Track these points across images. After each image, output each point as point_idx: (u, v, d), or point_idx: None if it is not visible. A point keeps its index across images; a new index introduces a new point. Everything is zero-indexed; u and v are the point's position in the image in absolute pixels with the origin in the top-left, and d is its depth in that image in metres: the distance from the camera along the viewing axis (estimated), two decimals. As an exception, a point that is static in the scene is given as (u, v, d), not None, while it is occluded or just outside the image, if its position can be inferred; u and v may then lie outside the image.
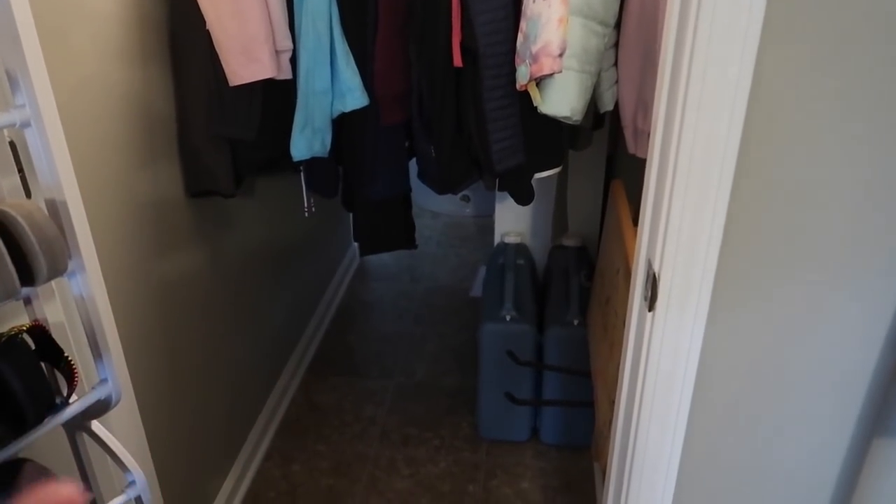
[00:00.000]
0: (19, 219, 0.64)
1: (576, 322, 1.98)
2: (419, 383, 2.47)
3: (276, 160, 1.68)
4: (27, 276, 0.67)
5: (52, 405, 0.75)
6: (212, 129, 1.54)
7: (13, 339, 0.72)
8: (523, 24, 1.39)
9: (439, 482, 2.04)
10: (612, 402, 1.40)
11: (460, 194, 3.65)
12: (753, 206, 0.86)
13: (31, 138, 0.72)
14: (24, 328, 0.79)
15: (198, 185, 1.64)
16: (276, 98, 1.55)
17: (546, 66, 1.34)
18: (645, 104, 1.50)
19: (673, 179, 0.86)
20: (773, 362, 0.95)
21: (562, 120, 1.49)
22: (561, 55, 1.34)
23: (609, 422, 1.42)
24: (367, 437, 2.22)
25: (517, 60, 1.43)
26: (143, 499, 0.94)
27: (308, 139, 1.57)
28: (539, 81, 1.43)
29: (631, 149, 1.59)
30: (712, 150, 0.82)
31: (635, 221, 1.59)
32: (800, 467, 1.03)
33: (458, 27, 1.44)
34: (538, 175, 1.61)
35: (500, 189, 1.64)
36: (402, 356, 2.62)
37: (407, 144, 1.75)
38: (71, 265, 0.75)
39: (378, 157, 1.68)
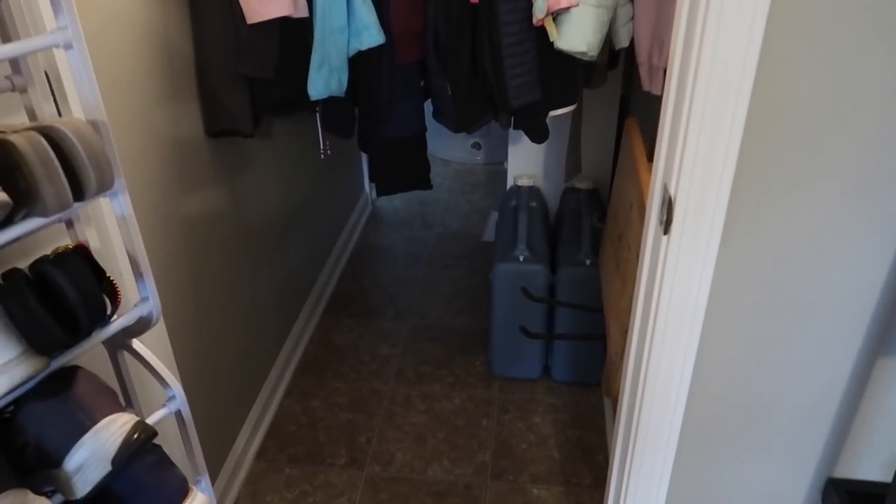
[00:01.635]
0: (69, 134, 0.68)
1: (588, 262, 2.02)
2: (432, 324, 2.53)
3: (294, 100, 1.70)
4: (77, 190, 0.71)
5: (103, 315, 0.79)
6: (230, 67, 1.55)
7: (67, 251, 0.76)
8: (540, -42, 1.38)
9: (454, 417, 2.12)
10: (624, 333, 1.45)
11: (471, 141, 3.67)
12: (769, 126, 0.88)
13: (72, 59, 0.74)
14: (70, 247, 0.83)
15: (216, 125, 1.66)
16: (294, 37, 1.56)
17: (563, -1, 1.34)
18: (661, 40, 1.51)
19: (690, 102, 0.88)
20: (784, 282, 0.99)
21: (577, 56, 1.50)
22: (578, -12, 1.35)
23: (621, 352, 1.47)
24: (382, 374, 2.29)
25: (534, -5, 1.43)
26: (183, 413, 1.00)
27: (325, 78, 1.58)
28: (556, 16, 1.43)
29: (645, 86, 1.60)
30: (730, 72, 0.84)
31: (650, 158, 1.61)
32: (807, 385, 1.07)
33: (475, -38, 1.44)
34: (553, 113, 1.62)
35: (516, 127, 1.66)
36: (415, 299, 2.68)
37: (422, 84, 1.76)
38: (115, 186, 0.79)
39: (394, 95, 1.69)
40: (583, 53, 1.48)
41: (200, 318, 1.67)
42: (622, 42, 1.59)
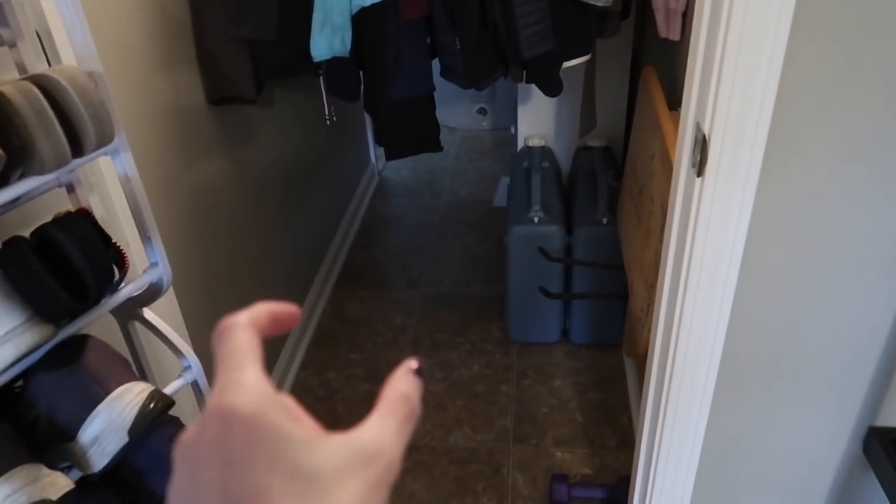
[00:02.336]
0: (64, 82, 0.63)
1: (605, 221, 1.96)
2: (446, 293, 2.49)
3: (297, 64, 1.64)
4: (75, 145, 0.66)
5: (111, 279, 0.75)
6: (229, 29, 1.49)
7: (70, 214, 0.71)
8: None
9: (473, 383, 2.08)
10: (649, 288, 1.40)
11: (476, 107, 3.59)
12: (811, 52, 0.82)
13: (62, 8, 0.69)
14: (73, 211, 0.78)
15: (218, 91, 1.60)
16: (294, -5, 1.49)
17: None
18: (678, -18, 1.43)
19: (726, 33, 0.82)
20: (825, 227, 0.94)
21: (591, 3, 1.43)
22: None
23: (647, 307, 1.43)
24: (398, 344, 2.26)
25: (544, -63, 1.36)
26: (200, 383, 0.96)
27: (328, 37, 1.52)
28: (568, -41, 1.36)
29: (662, 32, 1.53)
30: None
31: (670, 107, 1.55)
32: (848, 332, 1.02)
33: None
34: (567, 64, 1.56)
35: (528, 81, 1.59)
36: (427, 267, 2.63)
37: (429, 41, 1.69)
38: (115, 142, 0.74)
39: (400, 54, 1.63)
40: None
41: (210, 293, 1.63)
42: (637, -14, 1.52)
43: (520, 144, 2.33)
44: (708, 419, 1.14)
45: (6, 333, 0.65)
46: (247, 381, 0.26)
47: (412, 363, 0.31)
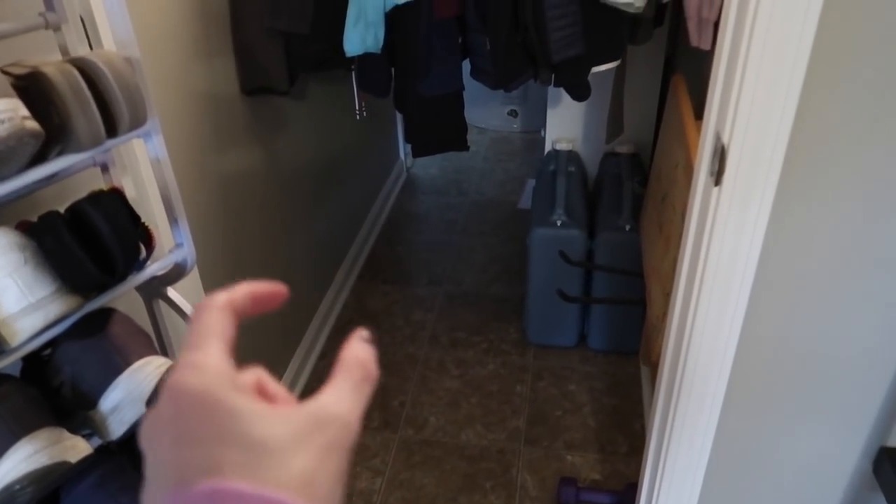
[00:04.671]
0: (102, 66, 0.66)
1: (628, 227, 1.96)
2: (467, 291, 2.51)
3: (329, 57, 1.67)
4: (110, 125, 0.69)
5: (137, 255, 0.78)
6: (266, 21, 1.53)
7: (102, 192, 0.75)
8: None
9: (487, 382, 2.10)
10: (666, 296, 1.40)
11: (508, 109, 3.60)
12: (832, 69, 0.82)
13: (106, -4, 0.73)
14: (106, 189, 0.82)
15: (252, 82, 1.64)
16: (330, -10, 1.53)
17: (610, -55, 1.28)
18: (711, -9, 1.43)
19: (749, 44, 0.82)
20: (841, 244, 0.93)
21: (623, 8, 1.44)
22: (626, -67, 1.28)
23: (663, 315, 1.43)
24: (417, 339, 2.28)
25: (579, -57, 1.37)
26: (218, 362, 0.99)
27: (361, 33, 1.55)
28: (601, -35, 1.37)
29: (694, 41, 1.53)
30: (793, 9, 0.79)
31: (698, 117, 1.54)
32: (861, 350, 1.02)
33: None
34: (596, 68, 1.56)
35: (556, 84, 1.60)
36: (450, 265, 2.65)
37: (460, 40, 1.71)
38: (147, 125, 0.77)
39: (432, 52, 1.65)
40: (629, 5, 1.41)
41: (234, 276, 1.67)
42: (670, -6, 1.52)
43: (547, 147, 2.34)
44: (716, 430, 1.14)
45: (37, 301, 0.68)
46: (201, 361, 0.27)
47: (363, 333, 0.32)
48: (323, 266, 2.32)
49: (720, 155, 0.91)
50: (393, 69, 1.80)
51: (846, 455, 1.12)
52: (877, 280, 0.95)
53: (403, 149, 3.27)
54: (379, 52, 1.58)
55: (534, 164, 3.26)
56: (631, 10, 1.43)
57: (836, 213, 0.91)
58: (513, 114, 3.60)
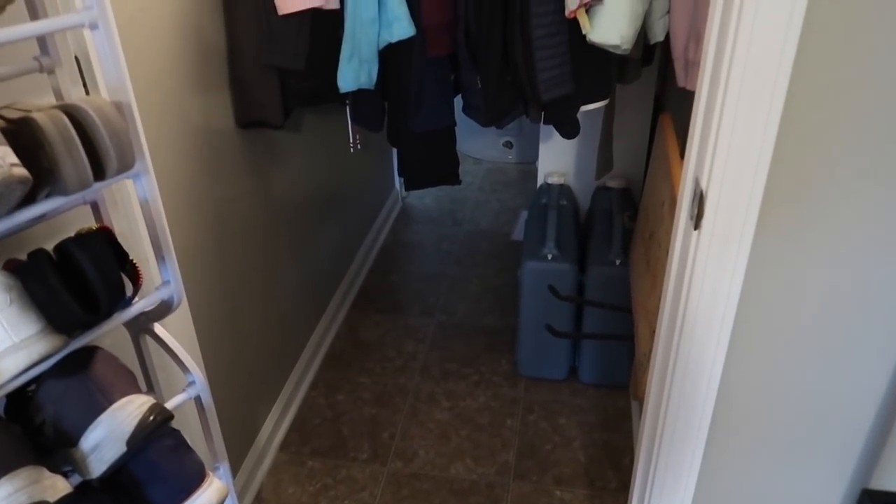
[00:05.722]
0: (91, 112, 0.68)
1: (618, 262, 1.98)
2: (460, 322, 2.52)
3: (324, 92, 1.70)
4: (98, 170, 0.71)
5: (122, 295, 0.79)
6: (262, 58, 1.56)
7: (90, 231, 0.76)
8: (574, -52, 1.36)
9: (478, 415, 2.10)
10: (653, 333, 1.42)
11: (503, 140, 3.64)
12: (806, 119, 0.84)
13: (97, 40, 0.75)
14: (94, 228, 0.83)
15: (247, 116, 1.67)
16: (325, 28, 1.56)
17: (596, -10, 1.31)
18: (697, 34, 1.47)
19: (725, 91, 0.85)
20: (819, 283, 0.95)
21: (611, 49, 1.47)
22: (612, -21, 1.32)
23: (649, 352, 1.44)
24: (408, 370, 2.28)
25: (567, -14, 1.41)
26: (203, 399, 1.00)
27: (355, 70, 1.58)
28: (588, 8, 1.40)
29: (681, 81, 1.56)
30: (767, 60, 0.81)
31: (684, 155, 1.57)
32: (843, 391, 1.03)
33: (507, -47, 1.42)
34: (585, 107, 1.59)
35: (546, 122, 1.63)
36: (443, 296, 2.66)
37: (452, 78, 1.74)
38: (136, 166, 0.79)
39: (424, 89, 1.68)
40: (616, 46, 1.45)
41: (228, 309, 1.68)
42: (657, 36, 1.55)
43: (540, 181, 2.36)
44: (700, 470, 1.14)
45: (21, 341, 0.69)
46: None
47: None
48: (316, 295, 2.33)
49: (699, 200, 0.92)
50: (386, 103, 1.83)
51: (829, 497, 1.12)
52: (857, 326, 0.97)
53: (399, 179, 3.30)
54: (373, 88, 1.62)
55: (528, 196, 3.29)
56: (618, 52, 1.46)
57: (815, 260, 0.93)
58: (508, 145, 3.64)
